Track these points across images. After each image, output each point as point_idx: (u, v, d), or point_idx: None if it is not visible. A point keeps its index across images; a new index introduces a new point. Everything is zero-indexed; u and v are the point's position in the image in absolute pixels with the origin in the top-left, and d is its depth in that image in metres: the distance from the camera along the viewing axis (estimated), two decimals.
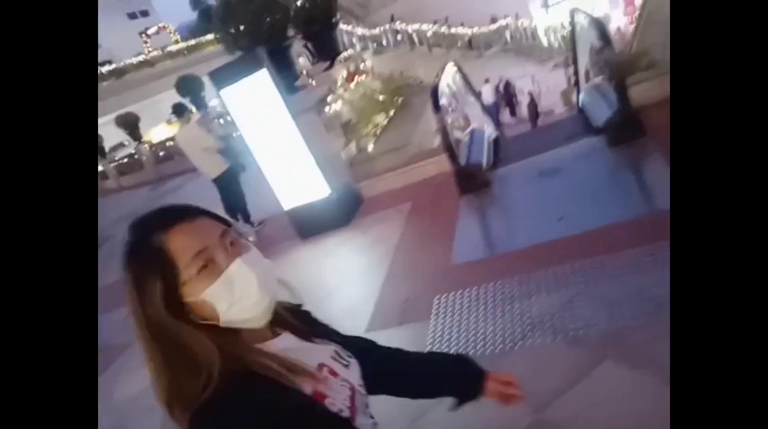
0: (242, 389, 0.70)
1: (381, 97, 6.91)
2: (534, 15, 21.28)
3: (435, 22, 19.92)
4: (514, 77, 16.71)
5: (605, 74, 4.41)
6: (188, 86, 18.94)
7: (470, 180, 4.32)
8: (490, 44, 19.95)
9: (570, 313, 2.53)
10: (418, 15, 20.30)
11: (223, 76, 4.66)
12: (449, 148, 4.04)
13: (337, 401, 0.78)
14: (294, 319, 0.89)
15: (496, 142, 5.40)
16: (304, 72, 7.86)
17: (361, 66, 8.48)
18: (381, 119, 6.14)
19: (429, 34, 20.42)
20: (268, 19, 4.74)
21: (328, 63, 7.70)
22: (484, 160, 4.55)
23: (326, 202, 4.85)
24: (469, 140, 5.01)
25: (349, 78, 7.23)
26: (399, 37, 20.68)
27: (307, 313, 0.97)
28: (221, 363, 0.71)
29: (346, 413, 0.78)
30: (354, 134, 5.88)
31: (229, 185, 5.54)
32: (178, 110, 5.67)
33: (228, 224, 0.80)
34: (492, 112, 15.14)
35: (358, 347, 0.95)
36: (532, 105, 13.88)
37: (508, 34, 19.72)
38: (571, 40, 5.91)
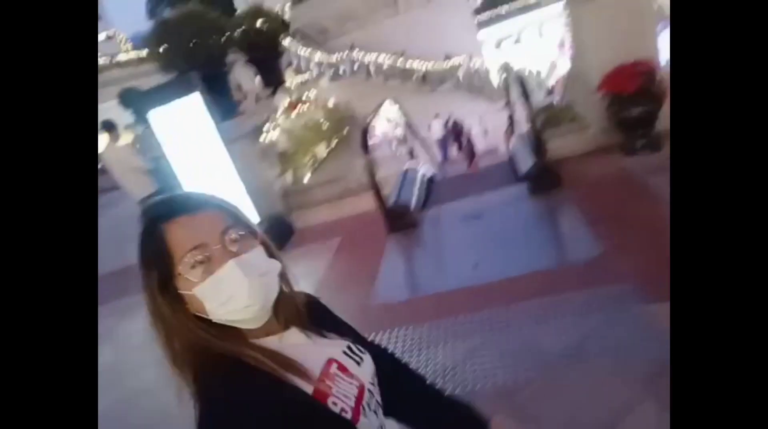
0: (231, 381, 0.71)
1: (324, 127, 6.93)
2: (486, 56, 22.25)
3: (394, 55, 20.40)
4: (463, 115, 17.27)
5: (529, 125, 4.61)
6: (132, 99, 18.27)
7: (398, 219, 4.35)
8: (443, 80, 20.61)
9: (471, 364, 2.55)
10: (377, 46, 20.73)
11: (153, 97, 4.53)
12: (375, 187, 4.07)
13: (340, 401, 0.76)
14: (305, 312, 0.87)
15: (430, 182, 5.49)
16: (248, 97, 7.79)
17: (305, 96, 8.50)
18: (321, 150, 6.14)
19: (385, 65, 20.86)
20: (206, 41, 4.66)
21: (270, 90, 7.67)
22: (413, 200, 4.60)
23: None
24: (400, 180, 5.07)
25: (291, 107, 7.22)
26: (356, 66, 21.00)
27: (319, 306, 0.94)
28: (210, 354, 0.73)
29: (348, 414, 0.75)
30: (290, 164, 5.83)
31: None
32: (107, 126, 5.42)
33: (237, 219, 0.78)
34: (440, 146, 15.54)
35: (372, 352, 0.91)
36: (469, 145, 14.39)
37: (461, 73, 20.46)
38: (505, 89, 6.18)
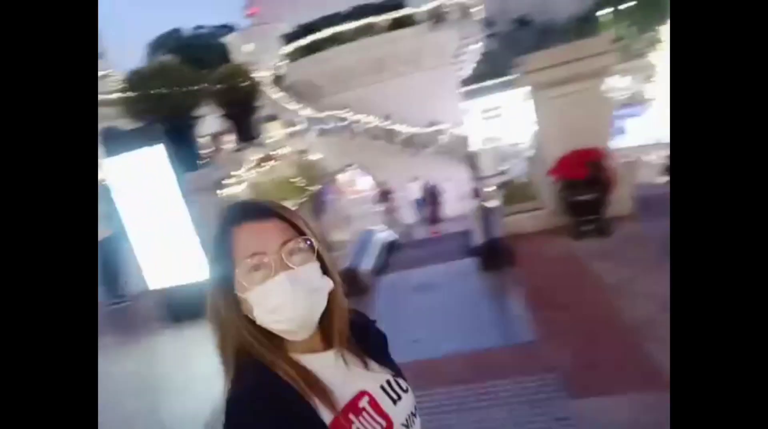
0: (258, 387, 0.74)
1: (294, 184, 6.96)
2: (469, 126, 23.10)
3: (380, 117, 21.07)
4: (442, 180, 17.65)
5: (484, 201, 4.71)
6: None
7: (351, 283, 4.31)
8: (426, 145, 21.22)
9: None
10: (366, 107, 21.43)
11: (116, 143, 4.54)
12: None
13: None
14: (354, 335, 0.87)
15: (392, 247, 5.50)
16: (219, 150, 7.87)
17: (279, 151, 8.62)
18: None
19: (371, 125, 21.48)
20: (174, 94, 4.75)
21: (243, 144, 7.78)
22: (371, 264, 4.58)
23: (204, 286, 4.61)
24: (359, 242, 5.07)
25: (260, 162, 7.30)
26: (343, 124, 21.58)
27: (370, 331, 0.93)
28: (250, 356, 0.77)
29: None
30: None
31: (106, 253, 5.19)
32: None
33: (301, 232, 0.80)
34: (415, 208, 15.73)
35: None
36: (435, 210, 14.64)
37: (443, 139, 21.13)
38: (472, 161, 6.34)
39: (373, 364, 0.87)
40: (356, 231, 5.84)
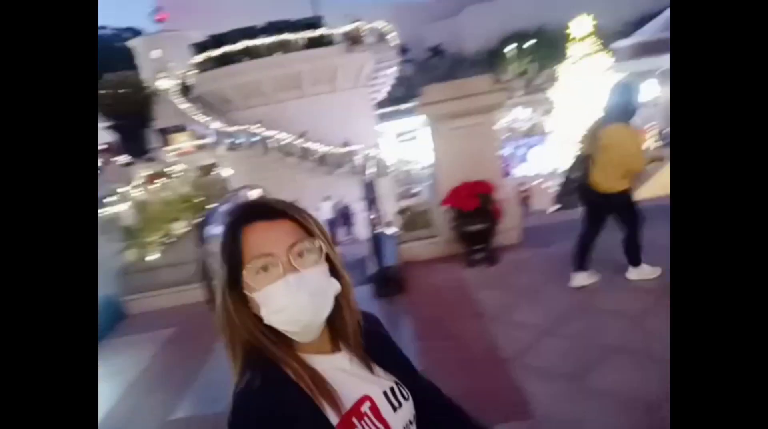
0: (266, 385, 0.76)
1: (188, 202, 6.57)
2: (383, 148, 23.55)
3: (294, 135, 20.78)
4: (354, 200, 17.73)
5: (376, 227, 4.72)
6: None
7: None
8: (340, 164, 21.25)
9: None
10: (280, 124, 21.05)
11: None
12: (207, 278, 3.80)
13: None
14: (362, 338, 0.88)
15: None
16: (107, 165, 7.27)
17: (173, 167, 8.14)
18: (178, 227, 5.75)
19: (285, 142, 21.12)
20: None
21: (131, 159, 7.24)
22: None
23: None
24: None
25: (150, 179, 6.82)
26: (255, 139, 21.00)
27: (378, 335, 0.94)
28: (258, 353, 0.79)
29: None
30: (135, 240, 5.36)
31: None
32: None
33: (310, 234, 0.80)
34: (327, 229, 15.58)
35: (422, 390, 0.92)
36: (346, 232, 14.69)
37: (357, 160, 21.30)
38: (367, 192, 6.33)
39: (378, 370, 0.88)
40: None
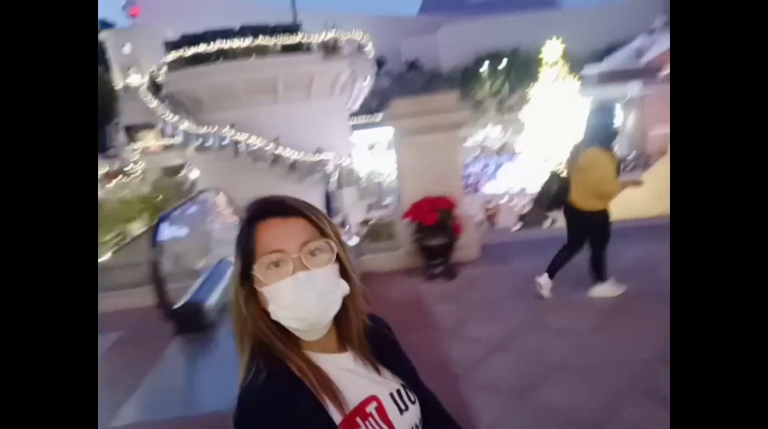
0: (271, 379, 0.77)
1: (148, 202, 6.37)
2: (356, 157, 23.56)
3: (267, 139, 20.56)
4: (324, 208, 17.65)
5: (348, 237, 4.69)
6: None
7: (186, 321, 3.97)
8: (311, 172, 21.13)
9: None
10: (252, 128, 20.81)
11: None
12: (157, 281, 3.69)
13: None
14: (370, 342, 0.89)
15: None
16: None
17: (131, 167, 7.92)
18: (135, 228, 5.57)
19: (256, 147, 20.87)
20: None
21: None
22: (213, 299, 4.27)
23: None
24: (209, 273, 4.74)
25: (109, 176, 6.61)
26: (225, 141, 20.68)
27: (385, 338, 0.94)
28: (265, 348, 0.81)
29: None
30: None
31: None
32: None
33: (323, 233, 0.81)
34: None
35: (424, 400, 0.92)
36: None
37: (329, 168, 21.23)
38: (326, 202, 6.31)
39: (385, 371, 0.89)
40: (215, 259, 5.48)
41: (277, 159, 20.68)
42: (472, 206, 16.95)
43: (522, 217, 11.56)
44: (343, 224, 6.30)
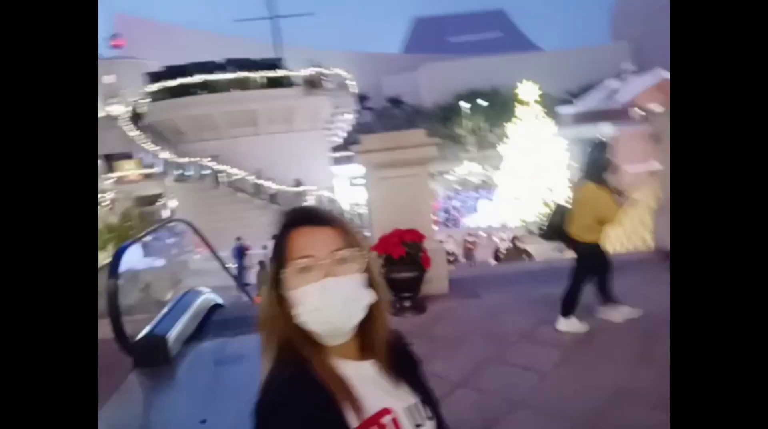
0: (293, 380, 0.80)
1: (123, 228, 6.26)
2: (336, 190, 23.63)
3: (246, 171, 20.55)
4: None
5: None
6: None
7: (146, 353, 3.84)
8: (292, 203, 21.08)
9: None
10: (233, 159, 20.82)
11: None
12: (113, 313, 3.58)
13: None
14: (392, 355, 0.90)
15: (213, 310, 5.10)
16: None
17: (102, 196, 7.82)
18: (100, 258, 5.45)
19: (236, 178, 20.84)
20: None
21: None
22: (175, 331, 4.15)
23: None
24: (173, 304, 4.63)
25: None
26: (205, 172, 20.62)
27: (406, 353, 0.96)
28: (290, 349, 0.84)
29: None
30: None
31: None
32: None
33: (353, 243, 0.85)
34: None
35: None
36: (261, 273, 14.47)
37: (309, 200, 21.24)
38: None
39: (403, 385, 0.90)
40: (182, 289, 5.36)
41: (257, 190, 20.64)
42: (451, 240, 17.04)
43: (497, 258, 11.65)
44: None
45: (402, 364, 0.93)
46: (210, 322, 4.73)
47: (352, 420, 0.79)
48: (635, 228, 6.74)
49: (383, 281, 0.92)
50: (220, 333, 4.44)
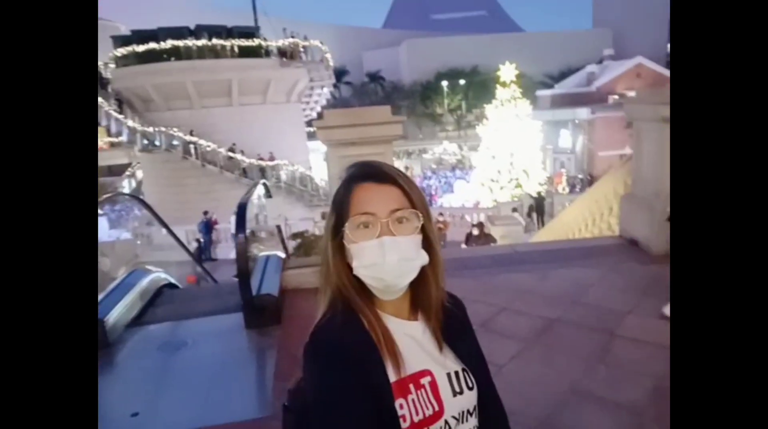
0: (342, 326, 0.84)
1: None
2: (312, 165, 23.19)
3: (216, 143, 19.94)
4: (275, 215, 17.17)
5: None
6: None
7: None
8: (265, 177, 20.58)
9: None
10: (204, 130, 20.17)
11: None
12: None
13: (408, 408, 0.82)
14: (442, 316, 0.93)
15: (161, 291, 4.85)
16: None
17: None
18: None
19: (208, 149, 20.23)
20: None
21: None
22: (115, 314, 3.91)
23: None
24: (117, 284, 4.37)
25: None
26: (174, 142, 19.93)
27: (457, 317, 0.97)
28: (342, 298, 0.87)
29: (406, 423, 0.81)
30: None
31: None
32: None
33: (414, 205, 0.87)
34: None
35: (485, 394, 0.94)
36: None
37: (283, 174, 20.81)
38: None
39: (448, 352, 0.91)
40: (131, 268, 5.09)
41: (229, 163, 20.10)
42: None
43: (467, 241, 11.59)
44: (279, 231, 6.02)
45: (453, 329, 0.94)
46: (158, 304, 4.49)
47: (392, 374, 0.82)
48: (602, 213, 6.70)
49: (439, 245, 0.92)
50: (168, 316, 4.22)
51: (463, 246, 11.89)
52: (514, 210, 17.26)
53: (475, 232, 12.23)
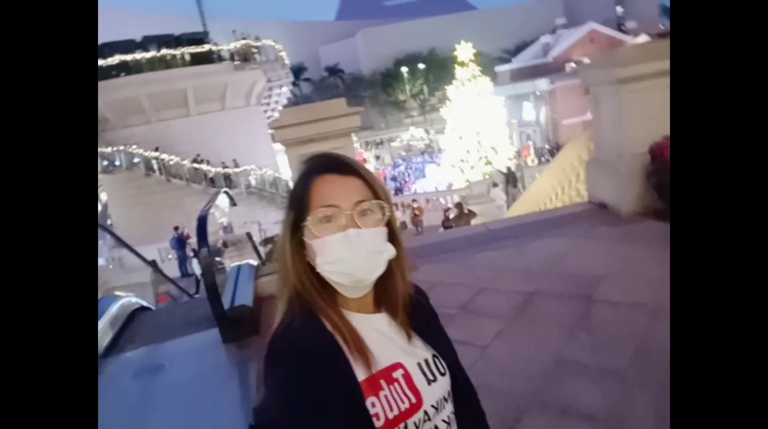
0: (303, 329, 0.79)
1: None
2: (280, 166, 22.86)
3: (178, 155, 19.45)
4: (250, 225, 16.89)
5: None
6: None
7: None
8: (234, 185, 20.22)
9: None
10: (165, 144, 19.63)
11: None
12: None
13: (381, 406, 0.79)
14: (408, 310, 0.90)
15: (134, 315, 4.68)
16: None
17: None
18: None
19: (171, 163, 19.74)
20: None
21: None
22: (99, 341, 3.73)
23: None
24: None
25: None
26: (135, 160, 19.38)
27: (423, 307, 0.95)
28: (303, 299, 0.83)
29: (380, 421, 0.77)
30: None
31: None
32: None
33: (377, 196, 0.83)
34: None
35: (456, 378, 0.92)
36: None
37: (252, 179, 20.48)
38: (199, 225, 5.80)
39: (416, 340, 0.89)
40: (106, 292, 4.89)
41: (194, 175, 19.66)
42: (401, 208, 16.91)
43: (445, 224, 11.62)
44: (250, 238, 5.88)
45: (420, 319, 0.92)
46: (130, 330, 4.32)
47: (361, 372, 0.79)
48: (570, 181, 6.77)
49: (402, 237, 0.89)
50: (142, 341, 4.06)
51: (440, 230, 11.91)
52: (495, 185, 17.39)
53: (452, 214, 12.25)
